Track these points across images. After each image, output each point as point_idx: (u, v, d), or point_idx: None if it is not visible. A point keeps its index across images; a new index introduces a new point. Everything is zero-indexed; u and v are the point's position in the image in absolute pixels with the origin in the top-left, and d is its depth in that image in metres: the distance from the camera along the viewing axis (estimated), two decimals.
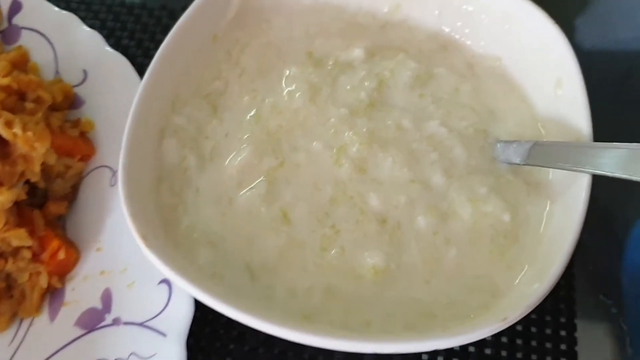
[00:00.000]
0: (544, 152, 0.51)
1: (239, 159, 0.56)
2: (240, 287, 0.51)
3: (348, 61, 0.61)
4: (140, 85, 0.55)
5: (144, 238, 0.48)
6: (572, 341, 0.60)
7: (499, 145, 0.56)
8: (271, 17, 0.64)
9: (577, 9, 0.80)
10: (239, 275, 0.51)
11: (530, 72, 0.59)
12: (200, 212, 0.54)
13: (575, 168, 0.48)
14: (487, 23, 0.61)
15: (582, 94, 0.52)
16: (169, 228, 0.53)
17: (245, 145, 0.57)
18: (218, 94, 0.60)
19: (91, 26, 0.76)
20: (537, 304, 0.44)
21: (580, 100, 0.52)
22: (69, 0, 0.84)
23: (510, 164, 0.54)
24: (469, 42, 0.62)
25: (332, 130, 0.56)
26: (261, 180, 0.55)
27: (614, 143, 0.47)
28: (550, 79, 0.56)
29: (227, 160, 0.56)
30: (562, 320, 0.61)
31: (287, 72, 0.60)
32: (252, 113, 0.59)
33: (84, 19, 0.78)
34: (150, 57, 0.77)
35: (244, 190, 0.55)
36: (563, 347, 0.60)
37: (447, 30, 0.63)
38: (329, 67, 0.61)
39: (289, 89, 0.59)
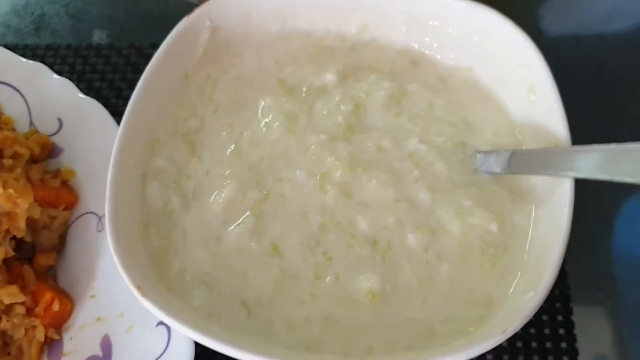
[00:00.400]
0: (523, 160, 0.52)
1: (222, 195, 0.56)
2: (238, 324, 0.51)
3: (322, 86, 0.61)
4: (118, 132, 0.55)
5: (139, 288, 0.48)
6: (571, 339, 0.61)
7: (478, 156, 0.56)
8: (240, 51, 0.64)
9: (542, 9, 0.82)
10: (236, 313, 0.51)
11: (502, 80, 0.60)
12: (190, 253, 0.54)
13: (556, 173, 0.49)
14: (454, 36, 0.61)
15: (555, 98, 0.53)
16: (161, 272, 0.53)
17: (228, 181, 0.57)
18: (195, 132, 0.60)
19: (60, 71, 0.76)
20: (535, 312, 0.45)
21: (554, 104, 0.53)
22: (35, 47, 0.84)
23: (492, 174, 0.55)
24: (438, 56, 0.63)
25: (314, 158, 0.57)
26: (247, 215, 0.55)
27: (592, 146, 0.48)
28: (522, 85, 0.57)
29: (212, 198, 0.56)
30: (560, 318, 0.62)
31: (262, 103, 0.60)
32: (232, 148, 0.59)
33: (52, 65, 0.78)
34: (123, 98, 0.79)
35: (232, 227, 0.55)
36: (563, 345, 0.61)
37: (416, 46, 0.64)
38: (304, 95, 0.61)
39: (266, 120, 0.59)
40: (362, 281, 0.52)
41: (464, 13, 0.60)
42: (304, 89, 0.61)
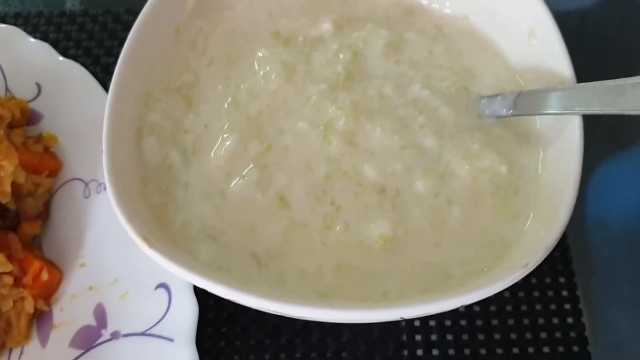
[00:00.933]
0: (530, 100, 0.52)
1: (224, 149, 0.54)
2: (249, 276, 0.49)
3: (318, 36, 0.60)
4: (110, 87, 0.53)
5: (145, 239, 0.45)
6: (572, 286, 0.61)
7: (483, 101, 0.56)
8: (232, 3, 0.62)
9: None
10: (246, 265, 0.50)
11: (500, 26, 0.59)
12: (194, 208, 0.52)
13: (565, 111, 0.49)
14: None
15: (558, 39, 0.53)
16: (164, 228, 0.51)
17: (227, 134, 0.55)
18: (189, 86, 0.58)
19: None
20: (554, 245, 0.44)
21: (556, 45, 0.53)
22: (3, 15, 0.80)
23: (498, 117, 0.55)
24: (434, 5, 0.62)
25: (315, 108, 0.55)
26: (251, 167, 0.53)
27: (599, 81, 0.47)
28: (522, 29, 0.57)
29: (212, 152, 0.54)
30: (559, 267, 0.62)
31: (258, 55, 0.59)
32: (229, 101, 0.57)
33: None
34: (102, 64, 0.76)
35: (235, 180, 0.53)
36: (564, 293, 0.61)
37: None
38: (300, 45, 0.59)
39: (263, 71, 0.58)
40: (373, 228, 0.51)
41: None
42: (300, 40, 0.60)
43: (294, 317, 0.45)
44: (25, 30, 0.78)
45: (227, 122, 0.56)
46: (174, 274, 0.45)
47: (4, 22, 0.79)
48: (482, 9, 0.60)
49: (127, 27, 0.77)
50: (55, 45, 0.77)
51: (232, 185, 0.53)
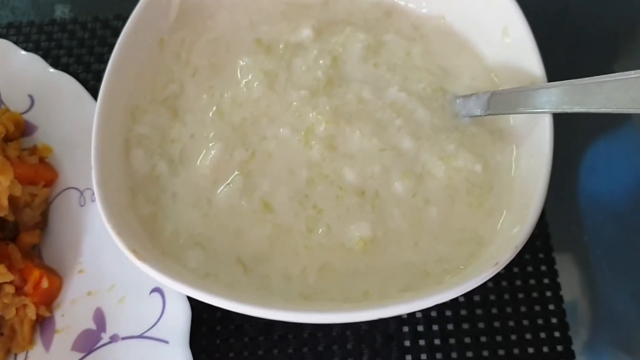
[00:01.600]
0: (502, 100, 0.53)
1: (209, 157, 0.56)
2: (235, 281, 0.51)
3: (298, 42, 0.61)
4: (97, 102, 0.55)
5: (134, 251, 0.47)
6: (553, 274, 0.63)
7: (458, 100, 0.57)
8: (214, 12, 0.63)
9: None
10: (233, 270, 0.52)
11: (475, 25, 0.60)
12: (182, 216, 0.54)
13: (535, 110, 0.51)
14: None
15: (529, 38, 0.54)
16: (153, 237, 0.53)
17: (213, 143, 0.57)
18: (175, 97, 0.60)
19: (24, 49, 0.75)
20: (523, 244, 0.46)
21: (528, 44, 0.54)
22: None
23: (473, 116, 0.56)
24: (411, 5, 0.63)
25: (297, 114, 0.57)
26: (236, 174, 0.55)
27: (567, 81, 0.49)
28: (496, 28, 0.58)
29: (199, 161, 0.56)
30: (541, 256, 0.64)
31: (241, 63, 0.60)
32: (214, 110, 0.59)
33: (15, 44, 0.76)
34: (93, 72, 0.78)
35: (221, 187, 0.55)
36: (546, 280, 0.63)
37: None
38: (281, 52, 0.61)
39: (245, 80, 0.59)
40: (353, 230, 0.53)
41: None
42: (281, 46, 0.61)
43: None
44: (17, 39, 0.80)
45: (212, 131, 0.58)
46: None
47: None
48: (457, 9, 0.61)
49: (117, 33, 0.79)
50: (47, 54, 0.79)
51: (218, 193, 0.55)
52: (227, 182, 0.55)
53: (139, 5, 0.59)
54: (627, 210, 0.68)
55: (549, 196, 0.65)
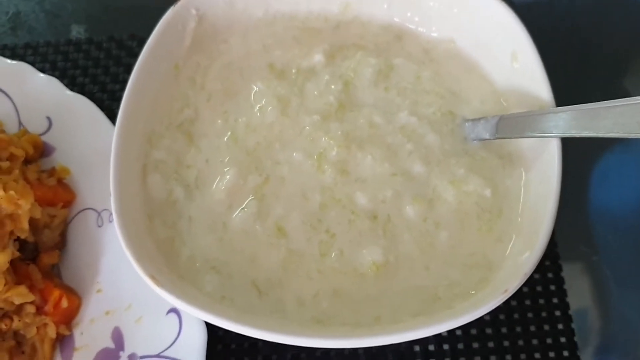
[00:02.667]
0: (510, 124, 0.54)
1: (224, 182, 0.57)
2: (250, 305, 0.53)
3: (310, 67, 0.63)
4: (115, 127, 0.56)
5: (152, 277, 0.49)
6: (562, 293, 0.64)
7: (467, 124, 0.59)
8: (227, 37, 0.65)
9: None
10: (247, 294, 0.53)
11: (485, 49, 0.61)
12: (198, 240, 0.56)
13: (543, 135, 0.51)
14: (436, 8, 0.63)
15: (538, 64, 0.55)
16: (170, 261, 0.54)
17: (227, 168, 0.58)
18: (190, 122, 0.61)
19: (42, 69, 0.77)
20: (532, 270, 0.47)
21: (537, 69, 0.55)
22: (13, 47, 0.83)
23: (481, 140, 0.57)
24: (421, 29, 0.65)
25: (309, 139, 0.58)
26: (250, 199, 0.57)
27: (575, 105, 0.50)
28: (505, 53, 0.59)
29: (214, 186, 0.58)
30: (550, 275, 0.65)
31: (254, 88, 0.62)
32: (228, 135, 0.60)
33: (33, 64, 0.78)
34: (108, 91, 0.79)
35: (236, 212, 0.56)
36: (555, 300, 0.64)
37: (398, 20, 0.65)
38: (293, 77, 0.62)
39: (259, 105, 0.61)
40: (366, 254, 0.54)
41: None
42: (294, 71, 0.63)
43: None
44: (34, 59, 0.82)
45: (227, 156, 0.59)
46: None
47: (14, 53, 0.83)
48: (467, 33, 0.62)
49: (131, 53, 0.81)
50: (63, 73, 0.81)
51: (233, 217, 0.56)
52: (242, 207, 0.57)
53: (155, 31, 0.60)
54: (638, 226, 0.69)
55: (559, 214, 0.66)
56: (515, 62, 0.58)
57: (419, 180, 0.56)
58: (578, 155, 0.69)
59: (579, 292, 0.65)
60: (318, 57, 0.62)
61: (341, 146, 0.57)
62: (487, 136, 0.56)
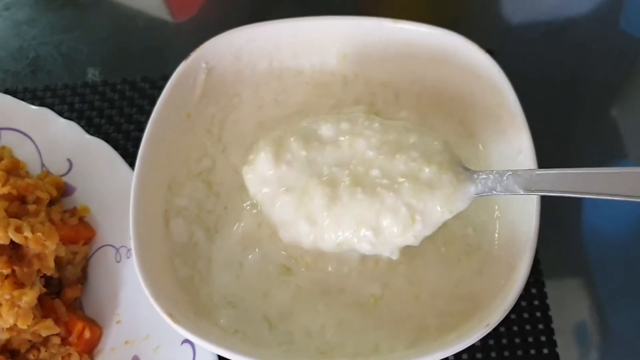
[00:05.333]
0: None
1: (242, 226, 0.64)
2: (261, 337, 0.58)
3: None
4: (134, 175, 0.61)
5: (170, 315, 0.54)
6: (547, 320, 0.70)
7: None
8: (239, 90, 0.70)
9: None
10: (259, 327, 0.59)
11: (470, 98, 0.67)
12: (216, 278, 0.62)
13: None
14: (425, 59, 0.68)
15: (518, 110, 0.60)
16: (189, 298, 0.60)
17: (244, 213, 0.64)
18: (208, 171, 0.67)
19: (60, 111, 0.82)
20: (512, 305, 0.52)
21: (517, 116, 0.60)
22: (33, 89, 0.89)
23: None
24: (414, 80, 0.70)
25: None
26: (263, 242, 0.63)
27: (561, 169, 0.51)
28: (489, 101, 0.64)
29: (233, 229, 0.64)
30: (536, 303, 0.71)
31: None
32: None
33: (52, 106, 0.85)
34: (124, 132, 0.85)
35: (251, 254, 0.62)
36: (540, 326, 0.69)
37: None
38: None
39: None
40: (365, 289, 0.60)
41: (431, 38, 0.66)
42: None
43: None
44: (53, 102, 0.88)
45: (244, 202, 0.65)
46: None
47: (35, 95, 0.88)
48: (455, 82, 0.67)
49: (144, 95, 0.87)
50: (80, 115, 0.86)
51: (249, 258, 0.62)
52: (256, 249, 0.62)
53: (168, 84, 0.65)
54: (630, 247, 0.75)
55: (546, 241, 0.71)
56: (500, 109, 0.63)
57: None
58: None
59: (564, 318, 0.70)
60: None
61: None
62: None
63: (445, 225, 0.58)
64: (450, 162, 0.54)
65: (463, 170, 0.54)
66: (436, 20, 0.78)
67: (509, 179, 0.52)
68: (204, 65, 0.68)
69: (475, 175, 0.54)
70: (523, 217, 0.57)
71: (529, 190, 0.51)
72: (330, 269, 0.61)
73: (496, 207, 0.62)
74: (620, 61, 0.91)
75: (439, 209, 0.52)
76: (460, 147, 0.65)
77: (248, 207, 0.65)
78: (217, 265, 0.62)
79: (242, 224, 0.64)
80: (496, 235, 0.61)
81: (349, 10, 0.89)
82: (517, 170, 0.53)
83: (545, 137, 0.71)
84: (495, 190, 0.53)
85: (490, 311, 0.54)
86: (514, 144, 0.61)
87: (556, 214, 0.72)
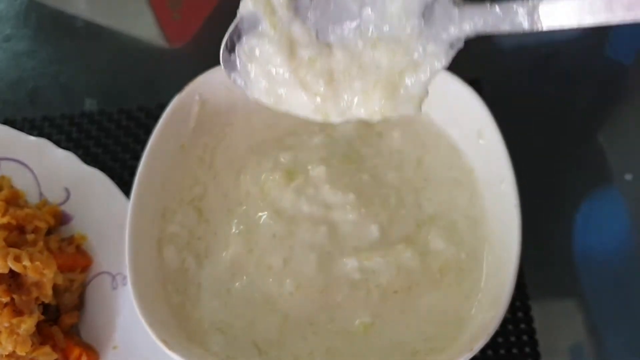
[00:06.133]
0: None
1: (230, 252, 0.65)
2: None
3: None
4: (130, 205, 0.63)
5: (164, 342, 0.56)
6: (534, 343, 0.71)
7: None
8: (231, 120, 0.72)
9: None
10: (249, 353, 0.60)
11: (454, 125, 0.69)
12: (206, 304, 0.63)
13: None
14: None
15: (499, 141, 0.62)
16: (181, 324, 0.61)
17: (232, 239, 0.66)
18: (199, 198, 0.69)
19: (58, 140, 0.85)
20: (494, 331, 0.54)
21: (499, 147, 0.62)
22: (32, 119, 0.91)
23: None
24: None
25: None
26: (251, 269, 0.64)
27: None
28: (471, 130, 0.66)
29: (222, 256, 0.66)
30: (522, 326, 0.72)
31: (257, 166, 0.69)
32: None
33: (50, 135, 0.86)
34: (120, 160, 0.87)
35: (238, 281, 0.64)
36: (527, 349, 0.71)
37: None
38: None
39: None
40: (355, 317, 0.61)
41: None
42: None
43: None
44: (51, 131, 0.90)
45: (233, 229, 0.67)
46: None
47: (33, 125, 0.90)
48: (438, 107, 0.69)
49: (139, 124, 0.89)
50: (78, 144, 0.88)
51: (236, 285, 0.64)
52: (243, 278, 0.64)
53: (163, 116, 0.67)
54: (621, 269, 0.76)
55: (533, 265, 0.74)
56: (481, 139, 0.66)
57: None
58: (554, 202, 0.77)
59: (551, 341, 0.72)
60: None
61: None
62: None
63: (440, 252, 0.62)
64: None
65: None
66: None
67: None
68: (197, 97, 0.70)
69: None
70: (509, 243, 0.59)
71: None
72: (319, 296, 0.63)
73: (485, 233, 0.64)
74: (606, 87, 0.94)
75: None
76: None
77: (237, 233, 0.66)
78: (206, 292, 0.64)
79: (230, 251, 0.65)
80: (483, 262, 0.63)
81: None
82: None
83: (530, 164, 0.74)
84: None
85: (475, 333, 0.55)
86: (497, 172, 0.63)
87: (544, 237, 0.74)
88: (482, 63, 0.94)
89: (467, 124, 0.67)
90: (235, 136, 0.72)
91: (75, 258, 0.74)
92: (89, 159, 0.86)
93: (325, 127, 0.72)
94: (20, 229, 0.71)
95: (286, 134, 0.72)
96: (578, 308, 0.75)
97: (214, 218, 0.68)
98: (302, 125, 0.72)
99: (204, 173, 0.70)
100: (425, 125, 0.71)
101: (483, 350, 0.70)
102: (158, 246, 0.65)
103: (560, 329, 0.74)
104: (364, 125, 0.71)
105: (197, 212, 0.68)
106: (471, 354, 0.53)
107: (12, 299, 0.65)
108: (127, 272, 0.60)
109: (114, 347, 0.72)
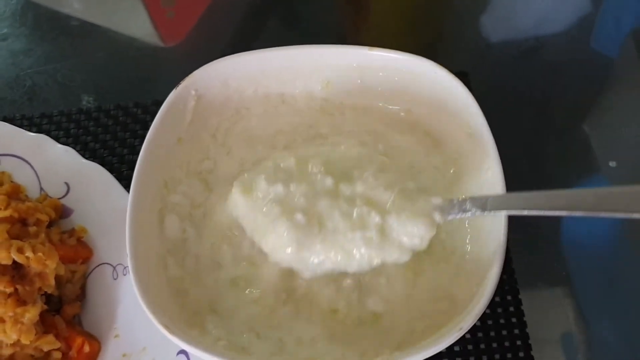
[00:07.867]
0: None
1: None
2: (250, 346, 0.61)
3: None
4: (129, 196, 0.64)
5: (166, 326, 0.58)
6: (522, 325, 0.74)
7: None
8: (227, 115, 0.75)
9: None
10: (245, 338, 0.62)
11: (443, 123, 0.71)
12: (201, 280, 0.65)
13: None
14: (400, 84, 0.72)
15: (488, 135, 0.64)
16: (181, 308, 0.63)
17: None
18: (208, 171, 0.72)
19: (57, 137, 0.87)
20: (481, 314, 0.55)
21: (487, 140, 0.64)
22: (30, 117, 0.93)
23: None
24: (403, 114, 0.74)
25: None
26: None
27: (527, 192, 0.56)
28: (461, 128, 0.68)
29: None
30: (511, 309, 0.75)
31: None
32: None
33: (48, 132, 0.89)
34: (118, 155, 0.89)
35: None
36: (516, 331, 0.74)
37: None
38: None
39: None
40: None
41: (405, 64, 0.70)
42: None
43: None
44: (49, 128, 0.92)
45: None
46: None
47: (32, 122, 0.92)
48: (426, 104, 0.71)
49: (136, 120, 0.91)
50: (76, 140, 0.90)
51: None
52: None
53: (160, 110, 0.68)
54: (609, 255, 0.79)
55: (521, 250, 0.76)
56: (469, 137, 0.67)
57: None
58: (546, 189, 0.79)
59: (539, 324, 0.74)
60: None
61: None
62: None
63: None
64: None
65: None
66: (415, 43, 0.83)
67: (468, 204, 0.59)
68: (193, 92, 0.72)
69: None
70: (496, 229, 0.61)
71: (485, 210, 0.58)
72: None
73: (466, 224, 0.66)
74: (591, 79, 0.96)
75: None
76: (429, 170, 0.70)
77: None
78: (203, 265, 0.66)
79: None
80: (467, 242, 0.65)
81: (331, 35, 0.95)
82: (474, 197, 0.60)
83: (518, 154, 0.76)
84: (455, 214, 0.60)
85: (465, 312, 0.57)
86: (483, 165, 0.65)
87: (532, 223, 0.77)
88: (470, 56, 0.97)
89: (456, 115, 0.69)
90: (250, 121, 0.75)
91: (76, 250, 0.76)
92: (88, 154, 0.88)
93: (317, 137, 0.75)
94: (22, 222, 0.73)
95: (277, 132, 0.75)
96: (565, 293, 0.78)
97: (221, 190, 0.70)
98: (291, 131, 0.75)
99: (216, 148, 0.74)
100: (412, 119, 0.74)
101: (473, 332, 0.74)
102: (159, 216, 0.67)
103: (549, 313, 0.76)
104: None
105: (204, 184, 0.71)
106: (459, 335, 0.55)
107: (16, 290, 0.67)
108: (128, 262, 0.61)
109: (116, 336, 0.74)
